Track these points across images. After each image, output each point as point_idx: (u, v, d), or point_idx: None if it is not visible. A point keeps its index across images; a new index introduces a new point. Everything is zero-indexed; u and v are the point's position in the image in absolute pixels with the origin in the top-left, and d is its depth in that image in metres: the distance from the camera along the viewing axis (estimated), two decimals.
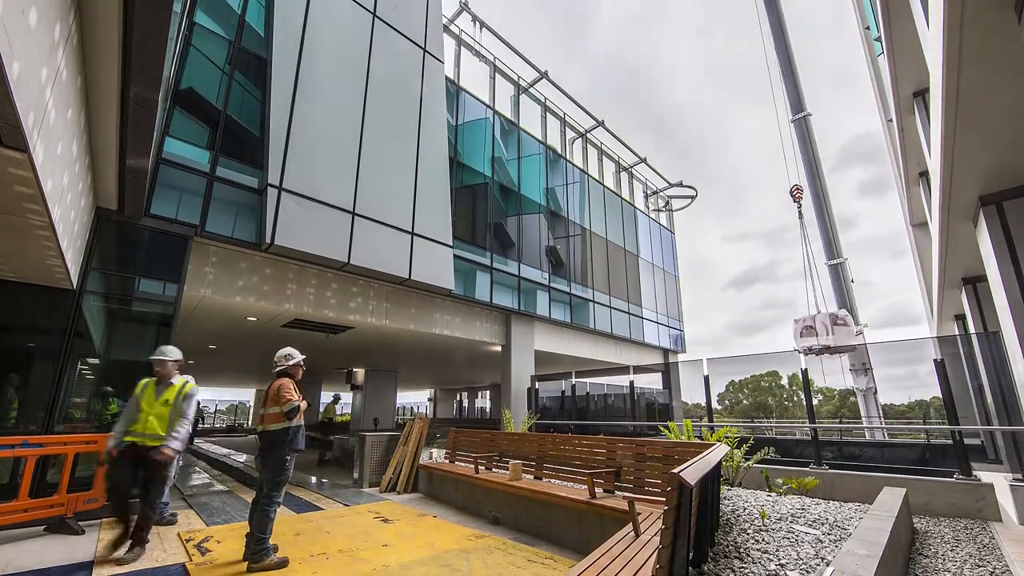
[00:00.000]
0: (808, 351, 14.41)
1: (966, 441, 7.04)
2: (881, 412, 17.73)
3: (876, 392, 17.66)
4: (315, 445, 13.75)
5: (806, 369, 8.83)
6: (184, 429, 5.08)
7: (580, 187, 18.67)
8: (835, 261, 18.86)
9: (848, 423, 19.27)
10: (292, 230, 8.39)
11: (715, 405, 10.46)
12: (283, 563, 4.48)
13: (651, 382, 19.14)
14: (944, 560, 4.62)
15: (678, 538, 2.42)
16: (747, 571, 3.27)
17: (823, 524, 4.47)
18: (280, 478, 4.62)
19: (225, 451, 16.61)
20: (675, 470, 2.50)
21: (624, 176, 22.30)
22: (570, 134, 19.19)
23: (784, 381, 50.92)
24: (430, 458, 8.95)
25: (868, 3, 11.96)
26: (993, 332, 8.09)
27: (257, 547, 4.43)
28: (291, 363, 5.01)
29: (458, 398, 40.62)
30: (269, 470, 4.62)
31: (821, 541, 3.93)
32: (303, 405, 4.74)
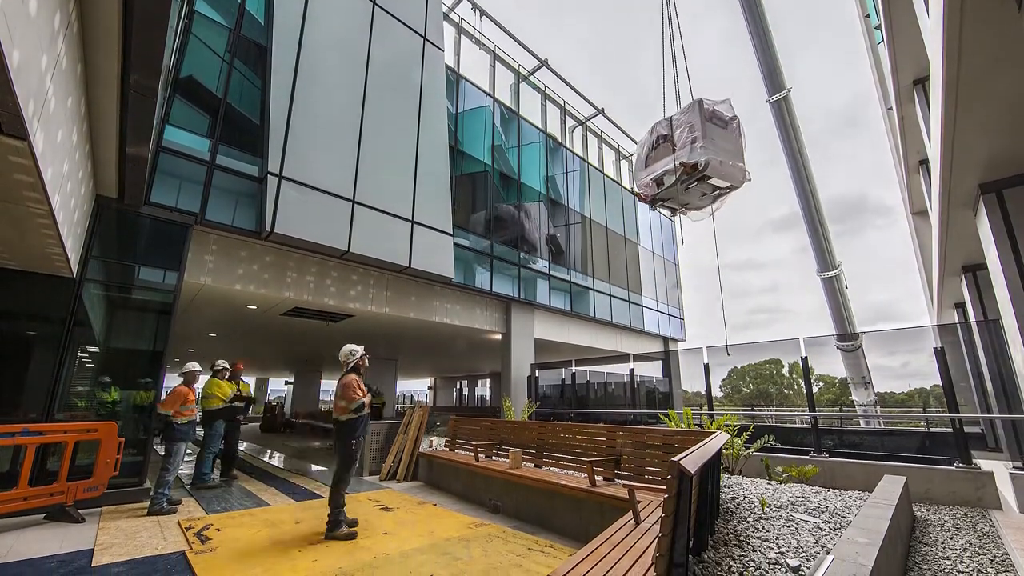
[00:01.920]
0: (659, 185, 7.70)
1: (966, 429, 7.06)
2: (879, 415, 17.30)
3: (876, 404, 17.07)
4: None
5: (806, 357, 8.84)
6: None
7: (580, 175, 18.58)
8: (830, 273, 16.47)
9: (848, 412, 19.29)
10: (292, 218, 8.37)
11: (716, 392, 10.44)
12: (352, 535, 5.01)
13: (651, 370, 19.12)
14: (944, 548, 4.65)
15: (678, 526, 2.43)
16: (747, 559, 3.30)
17: (823, 512, 4.49)
18: (348, 460, 5.22)
19: None
20: (675, 458, 2.51)
21: (624, 164, 22.20)
22: (570, 122, 19.07)
23: (785, 370, 51.03)
24: (430, 446, 9.00)
25: None
26: (993, 320, 8.09)
27: (331, 518, 5.07)
28: (356, 358, 5.58)
29: (458, 386, 40.78)
30: (340, 454, 5.24)
31: (821, 529, 3.96)
32: (367, 400, 5.42)
